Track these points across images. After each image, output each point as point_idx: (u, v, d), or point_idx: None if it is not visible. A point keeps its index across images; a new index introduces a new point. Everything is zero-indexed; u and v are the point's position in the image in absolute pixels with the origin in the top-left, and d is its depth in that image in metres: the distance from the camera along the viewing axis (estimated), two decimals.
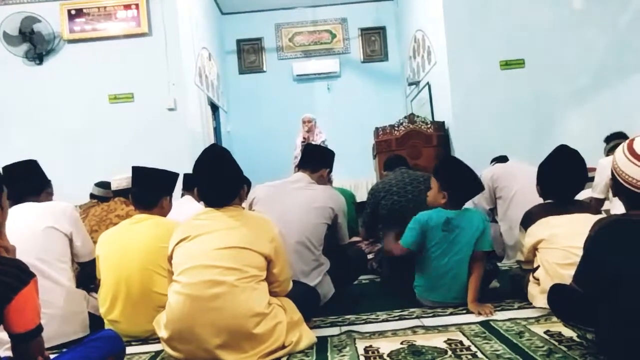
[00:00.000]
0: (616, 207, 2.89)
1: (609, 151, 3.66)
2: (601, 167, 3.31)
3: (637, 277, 1.34)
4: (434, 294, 2.40)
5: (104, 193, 3.57)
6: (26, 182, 2.34)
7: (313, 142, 5.57)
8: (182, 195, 3.79)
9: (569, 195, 2.27)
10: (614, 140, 3.73)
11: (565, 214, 2.16)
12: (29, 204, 2.28)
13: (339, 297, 2.54)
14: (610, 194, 3.01)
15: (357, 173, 7.14)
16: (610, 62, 5.31)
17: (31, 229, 2.17)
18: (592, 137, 4.18)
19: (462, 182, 2.40)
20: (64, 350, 1.65)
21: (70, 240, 2.30)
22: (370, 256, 3.34)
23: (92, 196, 3.73)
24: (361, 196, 6.27)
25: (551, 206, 2.26)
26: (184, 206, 3.36)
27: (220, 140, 7.30)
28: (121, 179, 3.17)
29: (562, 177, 2.26)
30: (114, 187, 3.26)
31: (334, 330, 2.14)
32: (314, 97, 8.01)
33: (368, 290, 3.02)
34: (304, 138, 5.79)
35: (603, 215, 2.22)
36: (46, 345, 1.41)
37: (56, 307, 2.15)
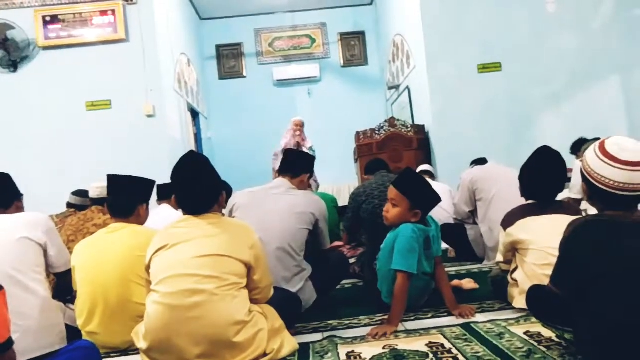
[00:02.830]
0: (593, 207, 2.93)
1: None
2: (578, 167, 3.36)
3: (610, 276, 1.35)
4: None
5: (81, 202, 3.51)
6: None
7: (303, 148, 5.47)
8: (159, 204, 3.76)
9: (551, 196, 2.28)
10: (583, 145, 3.81)
11: (546, 215, 2.18)
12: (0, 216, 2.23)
13: (321, 303, 2.53)
14: None
15: (339, 177, 7.15)
16: (584, 65, 5.44)
17: (5, 240, 2.11)
18: (567, 138, 4.27)
19: (432, 199, 2.33)
20: None
21: (45, 251, 2.25)
22: (352, 260, 3.34)
23: (69, 205, 3.66)
24: (343, 200, 6.27)
25: (532, 207, 2.27)
26: (161, 214, 3.33)
27: (201, 147, 7.25)
28: (100, 187, 3.11)
29: (543, 178, 2.26)
30: (92, 195, 3.20)
31: (316, 336, 2.13)
32: (295, 102, 8.01)
33: (350, 294, 3.01)
34: (298, 143, 5.58)
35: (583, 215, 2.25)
36: (22, 359, 1.38)
37: (32, 319, 2.08)
